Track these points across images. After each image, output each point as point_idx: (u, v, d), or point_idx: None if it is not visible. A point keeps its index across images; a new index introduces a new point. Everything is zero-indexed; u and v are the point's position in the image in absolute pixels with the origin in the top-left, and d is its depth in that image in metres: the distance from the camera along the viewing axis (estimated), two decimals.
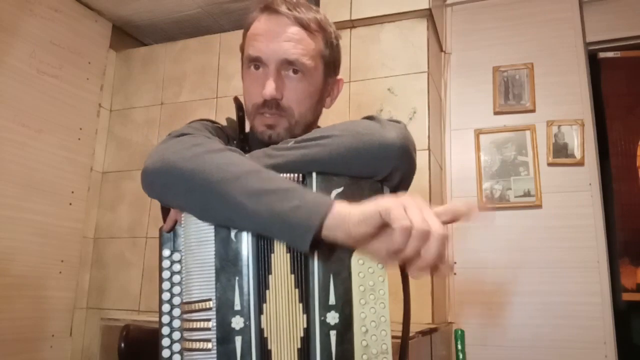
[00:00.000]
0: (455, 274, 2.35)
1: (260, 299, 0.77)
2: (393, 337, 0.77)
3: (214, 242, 0.78)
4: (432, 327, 1.92)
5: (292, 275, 0.77)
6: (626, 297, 2.27)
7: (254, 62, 0.94)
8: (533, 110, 2.37)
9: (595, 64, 2.49)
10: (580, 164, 2.27)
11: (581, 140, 2.28)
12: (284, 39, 0.91)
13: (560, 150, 2.30)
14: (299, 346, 0.76)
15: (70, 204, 2.53)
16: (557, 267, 2.22)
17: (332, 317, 0.76)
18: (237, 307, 0.76)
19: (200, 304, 0.77)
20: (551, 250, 2.23)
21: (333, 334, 0.75)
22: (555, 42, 2.42)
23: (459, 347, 2.20)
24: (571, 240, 2.22)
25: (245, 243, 0.78)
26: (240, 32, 1.01)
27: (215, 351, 0.75)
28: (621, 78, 2.45)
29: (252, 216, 0.74)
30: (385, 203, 0.69)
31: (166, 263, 0.85)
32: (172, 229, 0.86)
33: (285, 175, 0.79)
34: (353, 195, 0.79)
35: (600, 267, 2.17)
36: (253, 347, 0.75)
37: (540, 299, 2.21)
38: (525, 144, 2.35)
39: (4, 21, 2.24)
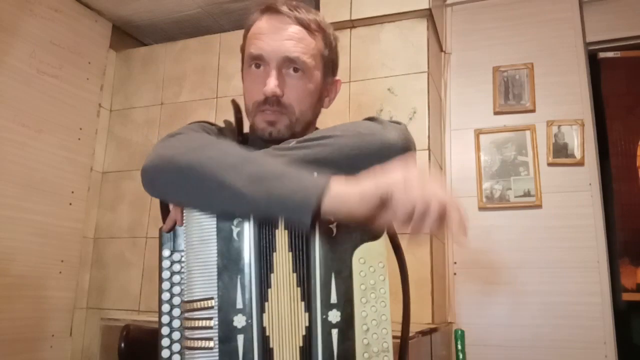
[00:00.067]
0: (455, 274, 2.35)
1: (262, 297, 0.77)
2: (393, 337, 0.78)
3: (216, 240, 0.79)
4: (432, 327, 1.92)
5: (294, 274, 0.78)
6: (626, 297, 2.27)
7: (255, 61, 0.95)
8: (533, 110, 2.38)
9: (595, 64, 2.50)
10: (580, 164, 2.27)
11: (581, 140, 2.28)
12: (285, 37, 0.93)
13: (560, 150, 2.30)
14: (301, 344, 0.76)
15: (70, 204, 2.53)
16: (557, 267, 2.22)
17: (334, 316, 0.76)
18: (239, 305, 0.76)
19: (202, 302, 0.77)
20: (551, 250, 2.24)
21: (335, 332, 0.76)
22: (555, 42, 2.42)
23: (459, 347, 2.20)
24: (571, 240, 2.22)
25: (247, 242, 0.78)
26: (240, 32, 1.02)
27: (217, 350, 0.75)
28: (621, 78, 2.46)
29: (251, 203, 0.75)
30: (385, 183, 0.70)
31: (166, 263, 0.85)
32: (172, 229, 0.87)
33: None
34: None
35: (600, 267, 2.17)
36: (255, 345, 0.75)
37: (540, 299, 2.21)
38: (525, 144, 2.35)
39: (4, 21, 2.24)
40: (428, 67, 2.21)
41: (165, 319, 0.83)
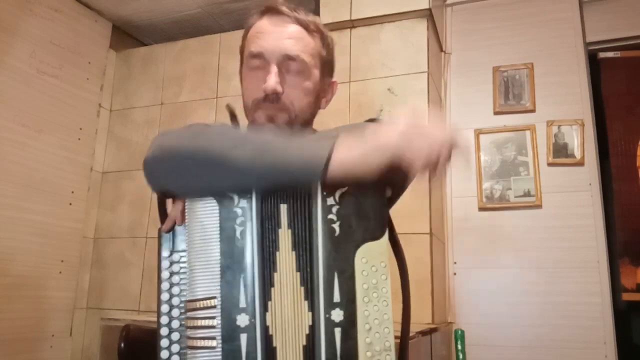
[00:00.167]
0: (455, 274, 2.35)
1: (266, 296, 0.77)
2: (394, 336, 0.78)
3: (218, 240, 0.78)
4: (432, 327, 1.92)
5: (298, 273, 0.78)
6: (626, 297, 2.27)
7: (255, 59, 0.96)
8: (533, 110, 2.38)
9: (595, 64, 2.50)
10: (580, 164, 2.27)
11: (581, 140, 2.29)
12: (285, 36, 0.94)
13: (560, 150, 2.30)
14: (304, 343, 0.76)
15: (70, 204, 2.53)
16: (557, 267, 2.22)
17: (337, 315, 0.76)
18: (243, 304, 0.76)
19: (204, 301, 0.77)
20: (551, 250, 2.24)
21: (338, 331, 0.76)
22: (555, 42, 2.43)
23: (459, 347, 2.20)
24: (571, 240, 2.22)
25: (250, 241, 0.78)
26: (240, 32, 1.03)
27: (220, 349, 0.75)
28: (621, 78, 2.46)
29: (258, 175, 0.77)
30: (393, 144, 0.74)
31: (165, 263, 0.85)
32: (171, 229, 0.87)
33: None
34: (357, 194, 0.80)
35: (600, 267, 2.18)
36: (258, 344, 0.75)
37: (540, 299, 2.21)
38: (525, 144, 2.35)
39: (4, 21, 2.24)
40: (428, 67, 2.21)
41: (164, 319, 0.83)
